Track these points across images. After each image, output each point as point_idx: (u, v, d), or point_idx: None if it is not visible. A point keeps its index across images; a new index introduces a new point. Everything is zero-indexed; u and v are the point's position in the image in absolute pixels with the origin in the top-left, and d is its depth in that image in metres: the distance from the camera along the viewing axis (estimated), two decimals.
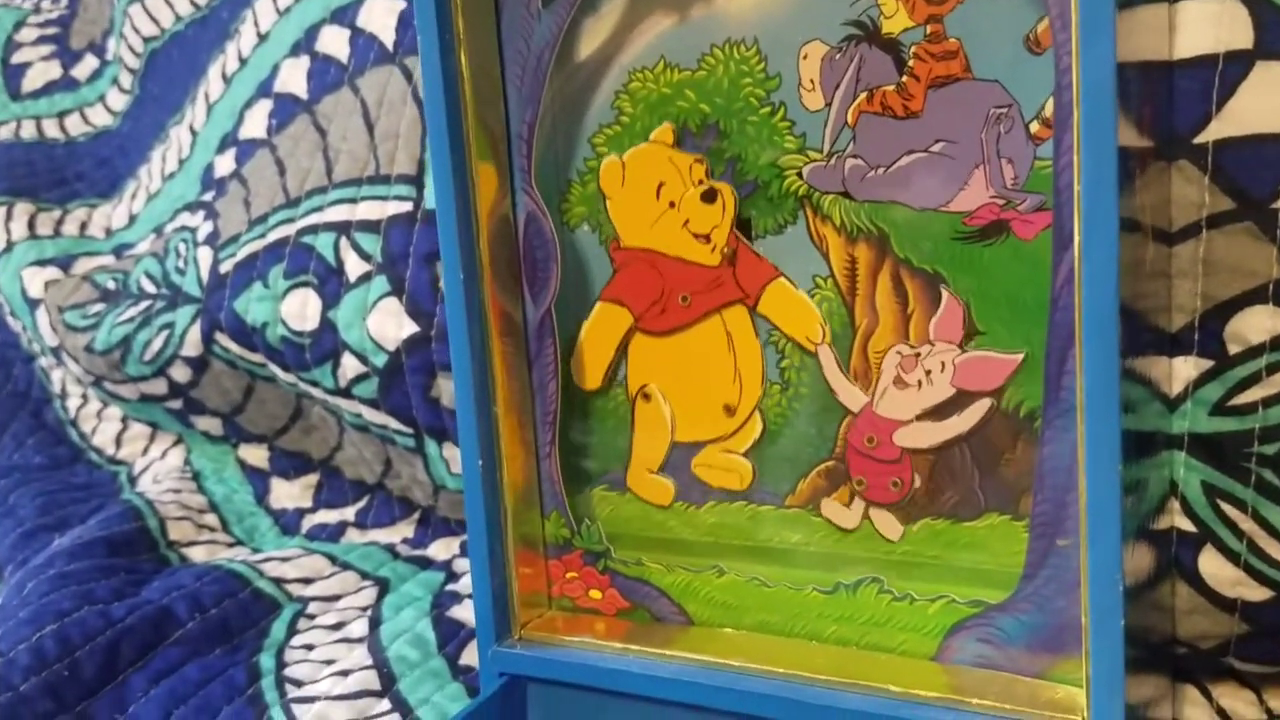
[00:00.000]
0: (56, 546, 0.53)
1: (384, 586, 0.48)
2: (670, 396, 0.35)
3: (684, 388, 0.35)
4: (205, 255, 0.55)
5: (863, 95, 0.30)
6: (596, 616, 0.37)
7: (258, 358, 0.53)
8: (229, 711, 0.40)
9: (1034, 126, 0.28)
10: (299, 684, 0.41)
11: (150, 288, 0.60)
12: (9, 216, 0.72)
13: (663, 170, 0.34)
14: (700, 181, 0.33)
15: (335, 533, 0.55)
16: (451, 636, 0.44)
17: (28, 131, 0.82)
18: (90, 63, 0.84)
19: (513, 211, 0.36)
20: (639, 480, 0.36)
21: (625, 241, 0.35)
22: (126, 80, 0.79)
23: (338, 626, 0.45)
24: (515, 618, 0.36)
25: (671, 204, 0.34)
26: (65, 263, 0.68)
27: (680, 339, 0.34)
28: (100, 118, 0.81)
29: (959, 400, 0.31)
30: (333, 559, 0.51)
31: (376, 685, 0.40)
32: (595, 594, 0.37)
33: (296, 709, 0.39)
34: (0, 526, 0.59)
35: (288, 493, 0.58)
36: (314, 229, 0.51)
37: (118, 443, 0.66)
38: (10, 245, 0.70)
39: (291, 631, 0.45)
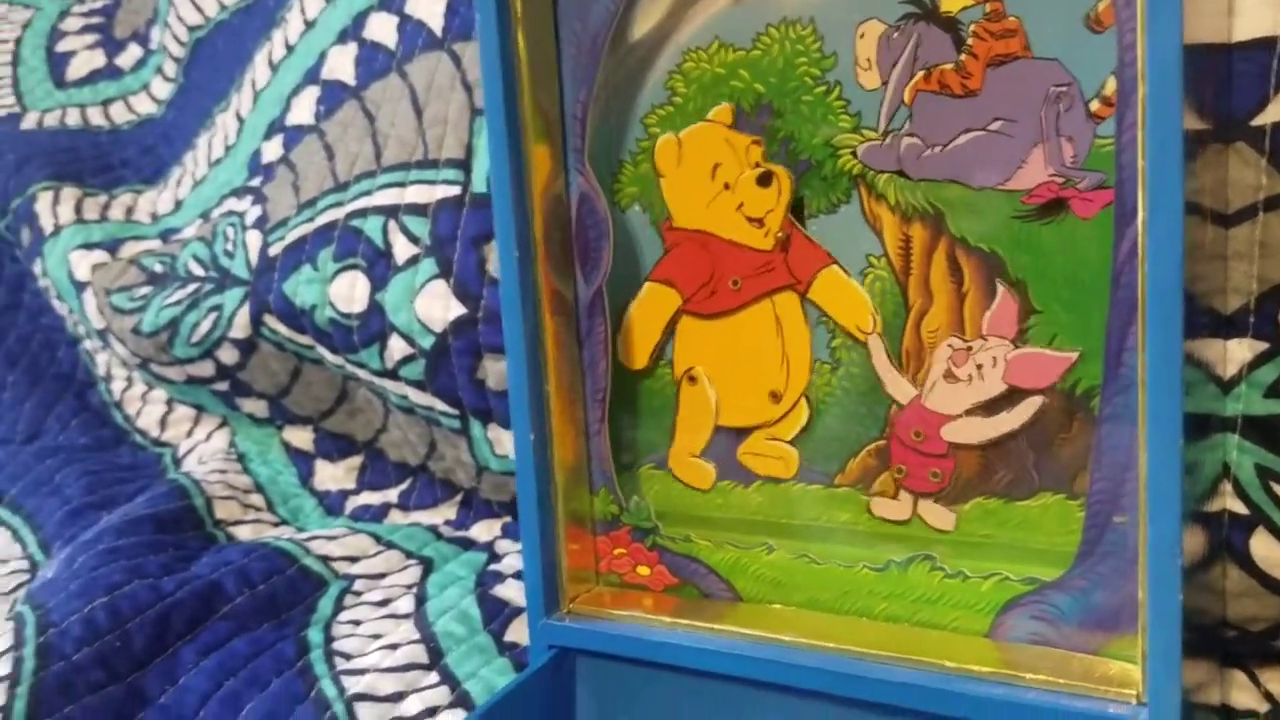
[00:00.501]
0: (105, 523, 0.53)
1: (428, 565, 0.49)
2: (716, 380, 0.35)
3: (730, 372, 0.35)
4: (254, 239, 0.56)
5: (920, 74, 0.30)
6: (644, 592, 0.37)
7: (306, 340, 0.54)
8: (279, 683, 0.41)
9: (1094, 105, 0.28)
10: (348, 657, 0.42)
11: (198, 271, 0.61)
12: (56, 201, 0.73)
13: (719, 151, 0.34)
14: (756, 164, 0.33)
15: (378, 514, 0.56)
16: (496, 614, 0.44)
17: (73, 119, 0.83)
18: (134, 52, 0.86)
19: (566, 191, 0.36)
20: (680, 463, 0.36)
21: (678, 222, 0.35)
22: (171, 69, 0.80)
23: (384, 603, 0.46)
24: (564, 592, 0.37)
25: (726, 185, 0.34)
26: (112, 246, 0.69)
27: (729, 323, 0.35)
28: (144, 106, 0.82)
29: (1010, 396, 0.31)
30: (377, 538, 0.51)
31: (424, 659, 0.41)
32: (643, 570, 0.37)
33: (346, 680, 0.40)
34: (48, 505, 0.60)
35: (331, 474, 0.58)
36: (363, 212, 0.51)
37: (162, 425, 0.67)
38: (58, 229, 0.71)
39: (339, 607, 0.46)
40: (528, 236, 0.35)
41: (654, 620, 0.35)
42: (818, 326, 0.33)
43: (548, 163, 0.35)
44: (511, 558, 0.49)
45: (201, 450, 0.62)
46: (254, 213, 0.58)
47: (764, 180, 0.33)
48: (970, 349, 0.31)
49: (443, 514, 0.55)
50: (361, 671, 0.40)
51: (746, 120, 0.33)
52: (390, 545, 0.51)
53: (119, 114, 0.83)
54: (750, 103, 0.33)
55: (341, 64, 0.56)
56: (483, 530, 0.53)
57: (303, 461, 0.59)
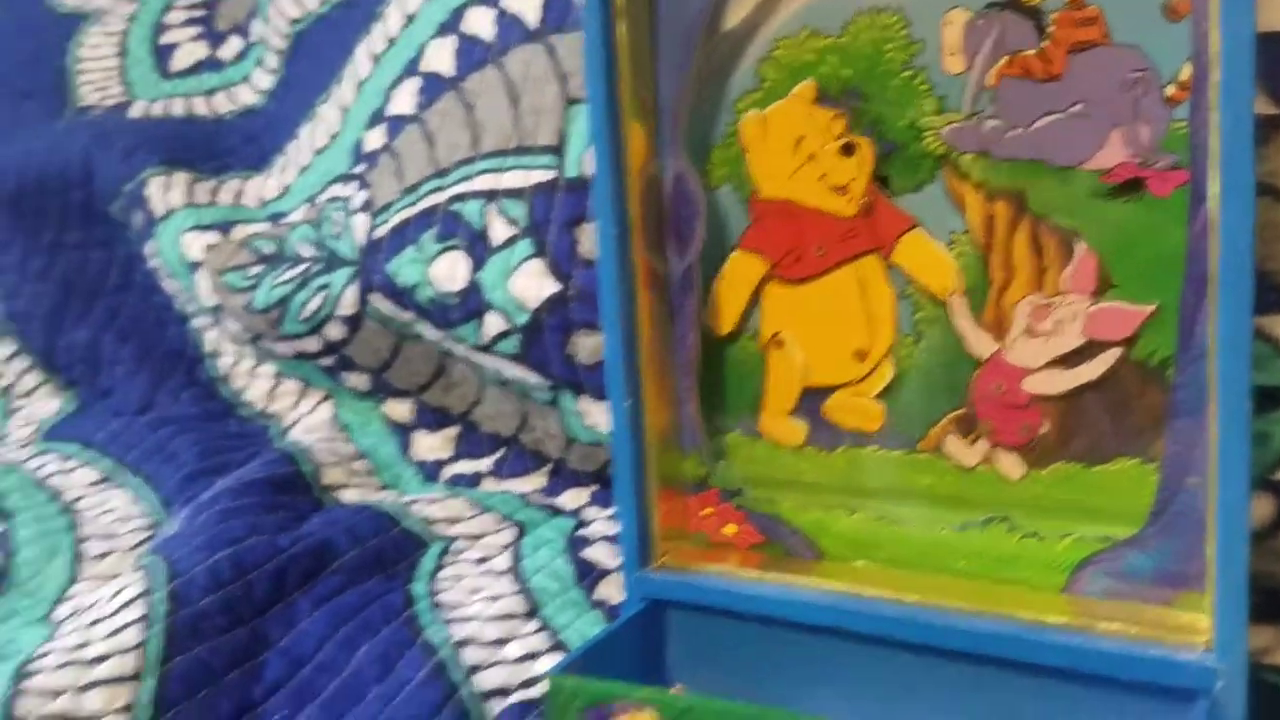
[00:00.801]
0: (220, 486, 0.57)
1: (521, 529, 0.52)
2: (802, 342, 0.37)
3: (816, 334, 0.37)
4: (360, 222, 0.60)
5: (1003, 59, 0.32)
6: (731, 549, 0.39)
7: (408, 316, 0.57)
8: (389, 630, 0.44)
9: (1170, 90, 0.30)
10: (452, 608, 0.45)
11: (307, 252, 0.64)
12: (167, 186, 0.77)
13: (802, 125, 0.35)
14: (839, 136, 0.35)
15: (472, 482, 0.59)
16: (586, 573, 0.47)
17: (178, 109, 0.87)
18: (235, 44, 0.89)
19: (660, 173, 0.38)
20: (772, 423, 0.38)
21: (763, 193, 0.36)
22: (273, 61, 0.84)
23: (482, 560, 0.49)
24: (656, 548, 0.39)
25: (810, 157, 0.36)
26: (223, 228, 0.73)
27: (813, 287, 0.36)
28: (246, 97, 0.86)
29: (1089, 349, 0.32)
30: (473, 503, 0.54)
31: (523, 609, 0.43)
32: (730, 529, 0.39)
33: (452, 628, 0.43)
34: (164, 469, 0.64)
35: (429, 445, 0.61)
36: (462, 197, 0.54)
37: (269, 398, 0.71)
38: (170, 211, 0.75)
39: (440, 564, 0.49)
40: (624, 215, 0.37)
41: (741, 574, 0.38)
42: (902, 299, 0.35)
43: (644, 146, 0.38)
44: (599, 524, 0.52)
45: (307, 422, 0.66)
46: (359, 198, 0.61)
47: (847, 150, 0.35)
48: (1050, 305, 0.33)
49: (533, 482, 0.58)
50: (466, 619, 0.43)
51: (831, 103, 0.35)
52: (486, 509, 0.54)
53: (222, 104, 0.87)
54: (837, 88, 0.35)
55: (441, 56, 0.59)
56: (570, 498, 0.56)
57: (402, 433, 0.63)
